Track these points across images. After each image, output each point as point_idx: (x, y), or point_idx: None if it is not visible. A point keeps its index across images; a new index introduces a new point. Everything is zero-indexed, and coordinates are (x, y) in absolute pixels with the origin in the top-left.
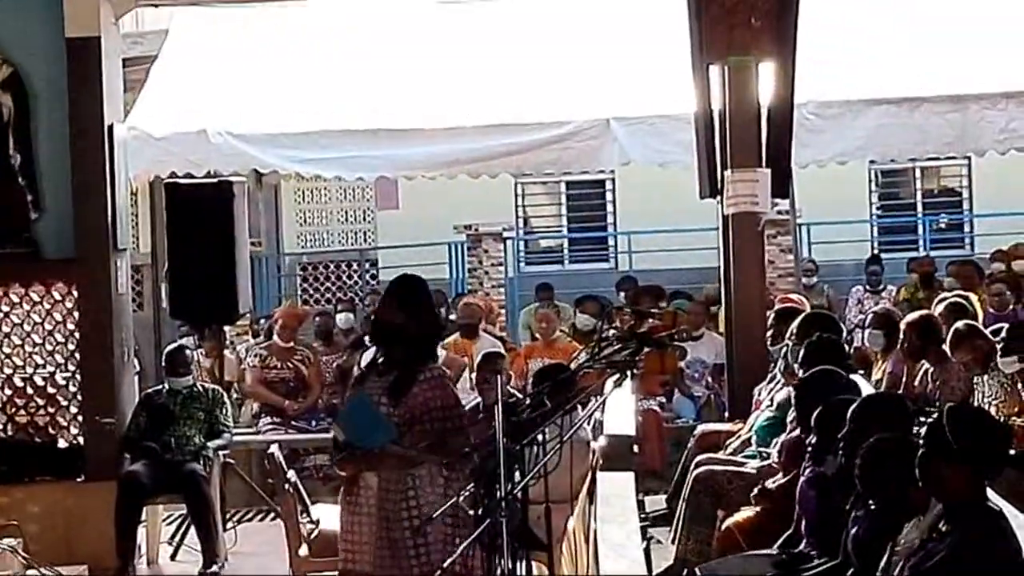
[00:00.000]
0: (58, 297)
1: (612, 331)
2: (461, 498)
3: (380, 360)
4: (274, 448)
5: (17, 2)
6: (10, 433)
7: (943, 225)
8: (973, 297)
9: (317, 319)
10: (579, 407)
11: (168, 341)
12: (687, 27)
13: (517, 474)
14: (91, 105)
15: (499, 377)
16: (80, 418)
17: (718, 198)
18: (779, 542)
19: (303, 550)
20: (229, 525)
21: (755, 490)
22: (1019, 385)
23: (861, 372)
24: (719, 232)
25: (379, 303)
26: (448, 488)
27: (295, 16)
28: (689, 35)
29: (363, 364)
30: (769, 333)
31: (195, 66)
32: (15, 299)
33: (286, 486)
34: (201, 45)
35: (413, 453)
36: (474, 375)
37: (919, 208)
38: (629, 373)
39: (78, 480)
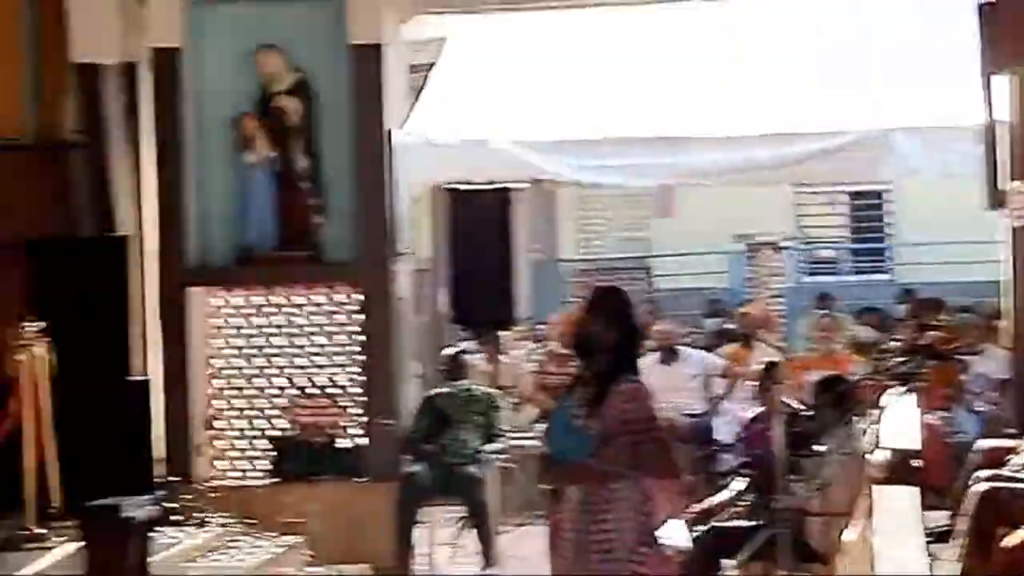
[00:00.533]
0: (341, 300)
1: (894, 343)
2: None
3: (582, 372)
4: None
5: (304, 10)
6: (294, 433)
7: None
8: None
9: None
10: (857, 419)
11: (447, 345)
12: (970, 34)
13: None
14: (373, 111)
15: (777, 387)
16: (362, 419)
17: (1004, 210)
18: None
19: None
20: (506, 529)
21: None
22: None
23: None
24: (1004, 245)
25: (580, 313)
26: (644, 505)
27: (573, 22)
28: (979, 44)
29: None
30: None
31: (473, 72)
32: (299, 302)
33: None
34: (479, 52)
35: (607, 468)
36: (752, 384)
37: None
38: (912, 386)
39: (360, 480)
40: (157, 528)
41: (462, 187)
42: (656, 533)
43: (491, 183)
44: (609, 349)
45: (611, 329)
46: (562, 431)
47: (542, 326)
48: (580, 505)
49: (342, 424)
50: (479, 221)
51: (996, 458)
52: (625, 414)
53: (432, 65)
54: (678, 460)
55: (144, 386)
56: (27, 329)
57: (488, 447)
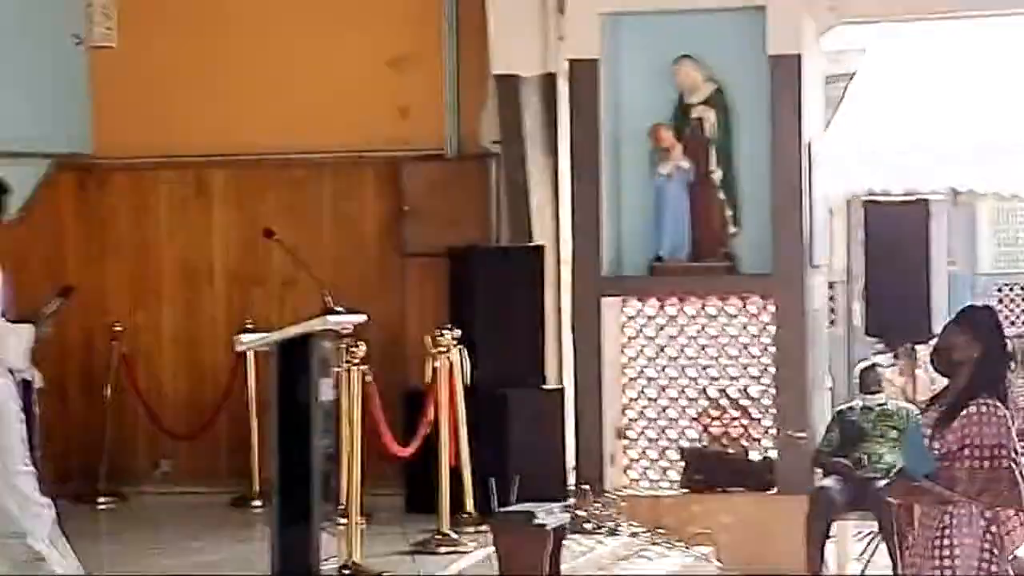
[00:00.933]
0: (754, 311)
1: None
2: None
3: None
4: None
5: (721, 21)
6: (705, 444)
7: None
8: None
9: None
10: None
11: (859, 358)
12: None
13: None
14: (791, 122)
15: None
16: (773, 431)
17: None
18: None
19: None
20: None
21: None
22: None
23: None
24: None
25: (944, 330)
26: (987, 531)
27: (992, 30)
28: None
29: None
30: None
31: (892, 82)
32: (713, 312)
33: None
34: (898, 61)
35: (943, 491)
36: None
37: None
38: None
39: (770, 492)
40: (569, 536)
41: (879, 199)
42: (1004, 566)
43: (909, 195)
44: (969, 368)
45: (973, 347)
46: (912, 445)
47: None
48: (921, 523)
49: (753, 436)
50: (896, 233)
51: None
52: (967, 438)
53: (851, 76)
54: None
55: (559, 395)
56: (445, 336)
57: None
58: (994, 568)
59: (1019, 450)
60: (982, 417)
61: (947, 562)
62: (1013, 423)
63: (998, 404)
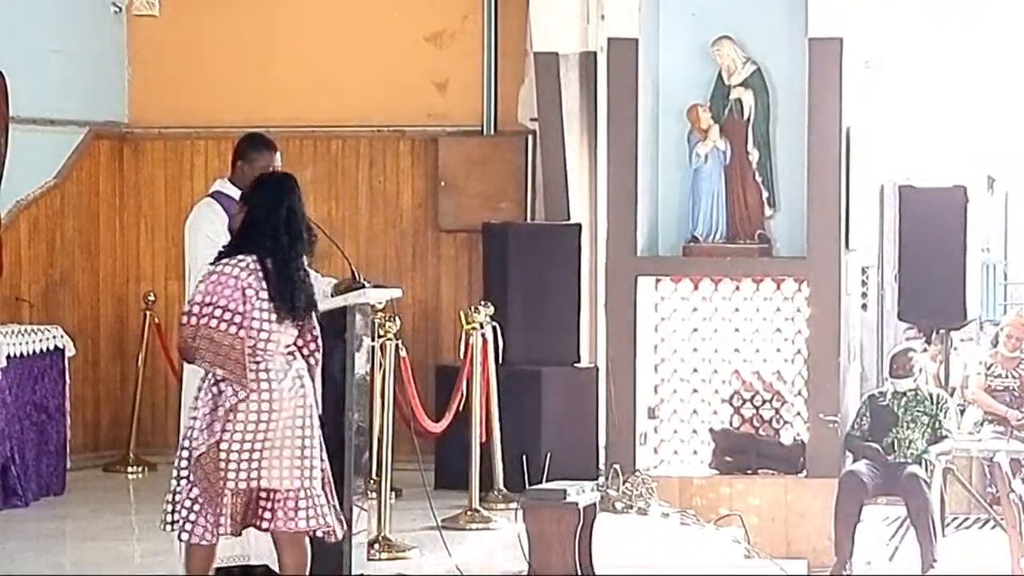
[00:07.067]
0: (787, 294)
1: None
2: None
3: None
4: (999, 457)
5: (763, 2)
6: (736, 426)
7: None
8: None
9: None
10: None
11: (890, 343)
12: None
13: None
14: (830, 106)
15: None
16: (804, 415)
17: None
18: None
19: None
20: (948, 531)
21: None
22: None
23: None
24: None
25: None
26: None
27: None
28: None
29: None
30: None
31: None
32: (747, 294)
33: (1010, 496)
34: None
35: None
36: None
37: None
38: None
39: (800, 475)
40: (598, 514)
41: (916, 184)
42: None
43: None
44: None
45: None
46: None
47: (992, 327)
48: None
49: (784, 418)
50: (931, 219)
51: None
52: None
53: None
54: None
55: (593, 373)
56: (479, 312)
57: (933, 447)
58: None
59: None
60: None
61: None
62: None
63: None
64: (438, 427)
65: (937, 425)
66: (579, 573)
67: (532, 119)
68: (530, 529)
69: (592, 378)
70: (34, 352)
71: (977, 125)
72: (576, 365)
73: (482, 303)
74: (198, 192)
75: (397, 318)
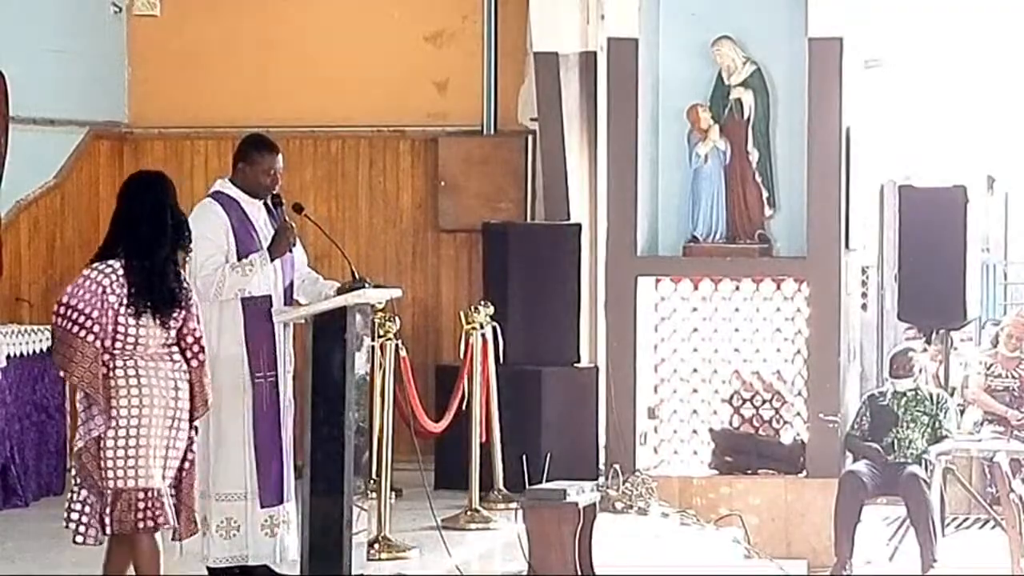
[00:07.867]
0: (787, 294)
1: None
2: None
3: None
4: (999, 457)
5: (762, 2)
6: (735, 425)
7: None
8: None
9: None
10: None
11: (890, 343)
12: None
13: None
14: (829, 106)
15: None
16: (804, 415)
17: None
18: None
19: None
20: (948, 531)
21: None
22: None
23: None
24: None
25: None
26: None
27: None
28: None
29: None
30: None
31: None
32: (746, 294)
33: (1010, 496)
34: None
35: None
36: None
37: None
38: None
39: (800, 475)
40: (598, 514)
41: (916, 184)
42: None
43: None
44: None
45: None
46: None
47: (992, 327)
48: None
49: (784, 418)
50: (931, 219)
51: None
52: None
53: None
54: None
55: (593, 374)
56: (479, 312)
57: (933, 447)
58: None
59: None
60: None
61: None
62: None
63: None
64: (438, 427)
65: (937, 425)
66: (579, 573)
67: (532, 119)
68: (530, 529)
69: (592, 378)
70: (34, 352)
71: (977, 125)
72: (576, 365)
73: (482, 303)
74: (198, 192)
75: (397, 318)
